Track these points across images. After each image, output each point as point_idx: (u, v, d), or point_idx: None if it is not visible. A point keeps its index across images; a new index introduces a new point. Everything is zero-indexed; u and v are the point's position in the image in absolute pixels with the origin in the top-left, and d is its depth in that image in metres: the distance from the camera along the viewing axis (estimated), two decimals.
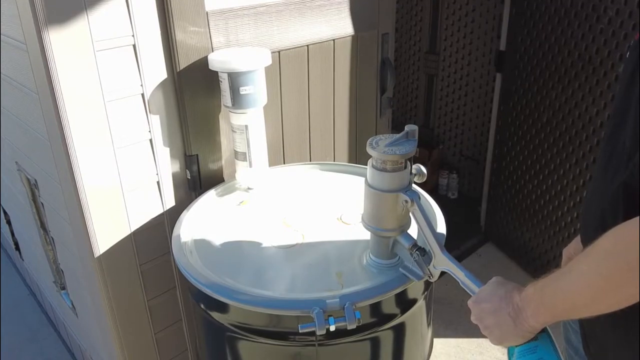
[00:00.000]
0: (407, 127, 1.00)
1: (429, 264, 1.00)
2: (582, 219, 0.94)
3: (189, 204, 1.38)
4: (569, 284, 0.71)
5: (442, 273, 1.01)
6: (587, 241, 0.89)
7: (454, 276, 0.96)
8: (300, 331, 0.94)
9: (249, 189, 1.47)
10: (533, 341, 0.81)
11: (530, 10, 2.37)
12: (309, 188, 1.49)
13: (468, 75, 3.21)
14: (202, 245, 1.23)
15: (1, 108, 1.78)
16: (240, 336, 1.10)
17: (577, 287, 0.70)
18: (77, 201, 1.29)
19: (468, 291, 0.93)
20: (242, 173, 1.46)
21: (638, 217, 0.62)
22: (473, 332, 2.30)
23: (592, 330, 0.90)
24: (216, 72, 1.36)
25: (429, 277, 1.02)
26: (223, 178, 1.53)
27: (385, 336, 1.14)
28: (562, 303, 0.73)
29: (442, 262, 0.98)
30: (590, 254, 0.68)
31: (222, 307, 1.09)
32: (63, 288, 1.94)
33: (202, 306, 1.15)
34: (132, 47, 1.26)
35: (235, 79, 1.33)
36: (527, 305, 0.78)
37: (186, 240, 1.23)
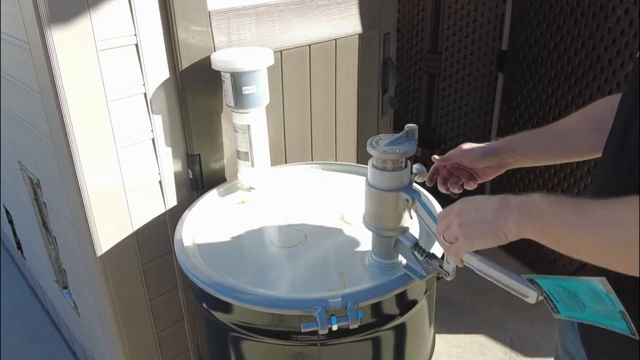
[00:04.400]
0: (406, 127, 1.00)
1: (441, 263, 0.96)
2: None
3: (191, 203, 1.38)
4: (574, 221, 0.64)
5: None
6: None
7: (470, 266, 0.86)
8: (302, 330, 0.94)
9: (251, 188, 1.47)
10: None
11: (534, 10, 2.36)
12: (311, 188, 1.49)
13: (470, 75, 3.20)
14: (204, 244, 1.23)
15: (4, 107, 1.78)
16: (242, 335, 1.11)
17: (578, 230, 0.64)
18: (79, 200, 1.29)
19: (485, 277, 0.85)
20: (244, 173, 1.46)
21: None
22: (475, 331, 2.30)
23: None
24: (218, 72, 1.36)
25: (445, 275, 0.95)
26: (225, 178, 1.53)
27: (387, 336, 1.14)
28: (554, 230, 0.66)
29: None
30: (609, 210, 0.61)
31: (224, 307, 1.09)
32: (65, 287, 1.94)
33: (204, 305, 1.15)
34: (134, 46, 1.27)
35: (238, 78, 1.33)
36: (522, 204, 0.68)
37: (188, 239, 1.23)
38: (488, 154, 1.05)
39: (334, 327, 0.94)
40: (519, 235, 0.70)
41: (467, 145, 1.07)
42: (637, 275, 0.59)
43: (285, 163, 1.68)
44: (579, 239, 0.64)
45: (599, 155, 0.92)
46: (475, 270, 0.89)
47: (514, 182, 2.72)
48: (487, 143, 1.07)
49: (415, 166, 1.02)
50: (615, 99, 0.87)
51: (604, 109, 0.95)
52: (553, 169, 2.42)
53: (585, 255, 0.64)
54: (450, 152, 1.07)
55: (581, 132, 1.00)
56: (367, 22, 1.76)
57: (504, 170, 1.07)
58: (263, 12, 1.47)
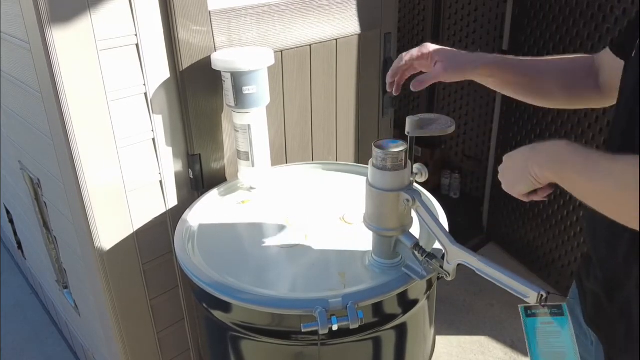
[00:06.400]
0: (407, 119, 1.01)
1: (441, 263, 0.96)
2: (590, 219, 0.90)
3: (192, 203, 1.38)
4: (583, 170, 0.71)
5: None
6: (596, 242, 0.87)
7: (470, 266, 0.91)
8: (303, 330, 0.94)
9: (251, 188, 1.47)
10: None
11: (534, 10, 2.36)
12: (312, 188, 1.49)
13: None
14: (204, 244, 1.23)
15: (5, 107, 1.78)
16: (242, 335, 1.11)
17: (585, 178, 0.70)
18: (79, 200, 1.29)
19: (486, 277, 0.88)
20: (245, 172, 1.46)
21: None
22: (475, 331, 2.30)
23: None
24: (219, 72, 1.36)
25: (446, 275, 0.96)
26: (225, 177, 1.53)
27: (388, 336, 1.14)
28: (568, 176, 0.73)
29: (455, 255, 0.94)
30: (612, 162, 0.67)
31: (225, 307, 1.09)
32: (65, 287, 1.94)
33: (204, 305, 1.15)
34: (135, 46, 1.27)
35: (238, 78, 1.33)
36: (547, 150, 0.75)
37: (189, 239, 1.23)
38: (465, 71, 1.12)
39: (335, 327, 0.94)
40: (545, 177, 0.76)
41: (442, 62, 1.11)
42: (635, 227, 0.64)
43: (286, 163, 1.68)
44: (586, 185, 0.71)
45: (570, 107, 1.03)
46: (475, 270, 0.89)
47: None
48: (465, 56, 1.11)
49: (415, 166, 1.02)
50: (588, 60, 1.02)
51: (574, 69, 1.05)
52: None
53: (592, 201, 0.71)
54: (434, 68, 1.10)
55: (552, 85, 1.10)
56: (367, 22, 1.76)
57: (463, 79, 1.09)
58: (264, 12, 1.47)
